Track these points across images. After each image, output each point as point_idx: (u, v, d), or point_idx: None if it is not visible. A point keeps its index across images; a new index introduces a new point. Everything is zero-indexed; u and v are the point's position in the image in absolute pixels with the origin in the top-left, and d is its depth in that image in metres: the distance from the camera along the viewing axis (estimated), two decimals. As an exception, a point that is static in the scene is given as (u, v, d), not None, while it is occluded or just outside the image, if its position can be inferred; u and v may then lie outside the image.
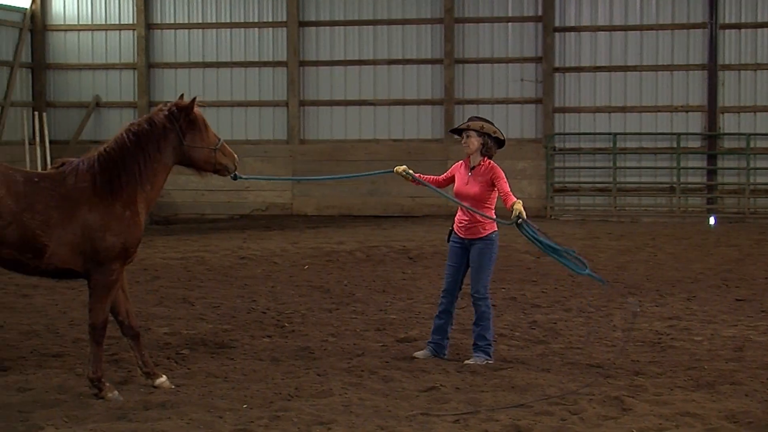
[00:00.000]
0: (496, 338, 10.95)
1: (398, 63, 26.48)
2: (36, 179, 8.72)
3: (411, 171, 10.39)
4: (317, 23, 26.68)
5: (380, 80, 26.57)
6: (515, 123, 25.95)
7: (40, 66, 27.57)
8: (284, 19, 26.70)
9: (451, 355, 10.48)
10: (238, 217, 26.25)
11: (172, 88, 26.91)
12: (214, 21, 27.04)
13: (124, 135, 8.87)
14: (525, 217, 9.78)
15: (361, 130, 26.59)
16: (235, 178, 9.38)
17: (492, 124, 10.41)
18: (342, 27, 26.60)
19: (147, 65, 27.15)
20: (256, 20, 26.94)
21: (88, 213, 8.65)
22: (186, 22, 27.16)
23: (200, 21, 27.12)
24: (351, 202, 26.23)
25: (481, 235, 10.24)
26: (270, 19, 26.89)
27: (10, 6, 26.52)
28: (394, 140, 26.33)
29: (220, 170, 9.23)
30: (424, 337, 10.98)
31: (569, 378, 9.51)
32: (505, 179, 10.18)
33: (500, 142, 10.35)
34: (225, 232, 22.90)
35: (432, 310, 11.17)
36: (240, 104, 26.94)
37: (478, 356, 10.18)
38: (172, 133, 8.95)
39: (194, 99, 9.06)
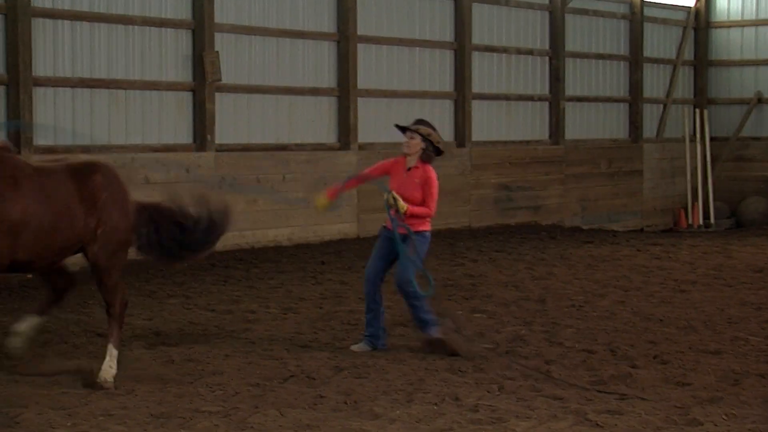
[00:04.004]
0: None
1: None
2: None
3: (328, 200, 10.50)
4: None
5: None
6: None
7: (701, 63, 27.72)
8: None
9: None
10: None
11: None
12: None
13: None
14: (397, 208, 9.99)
15: None
16: None
17: (437, 133, 10.29)
18: None
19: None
20: None
21: None
22: None
23: None
24: None
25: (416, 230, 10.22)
26: None
27: (675, 5, 26.97)
28: None
29: None
30: None
31: None
32: (436, 192, 10.19)
33: (439, 152, 10.32)
34: None
35: None
36: None
37: None
38: None
39: None
